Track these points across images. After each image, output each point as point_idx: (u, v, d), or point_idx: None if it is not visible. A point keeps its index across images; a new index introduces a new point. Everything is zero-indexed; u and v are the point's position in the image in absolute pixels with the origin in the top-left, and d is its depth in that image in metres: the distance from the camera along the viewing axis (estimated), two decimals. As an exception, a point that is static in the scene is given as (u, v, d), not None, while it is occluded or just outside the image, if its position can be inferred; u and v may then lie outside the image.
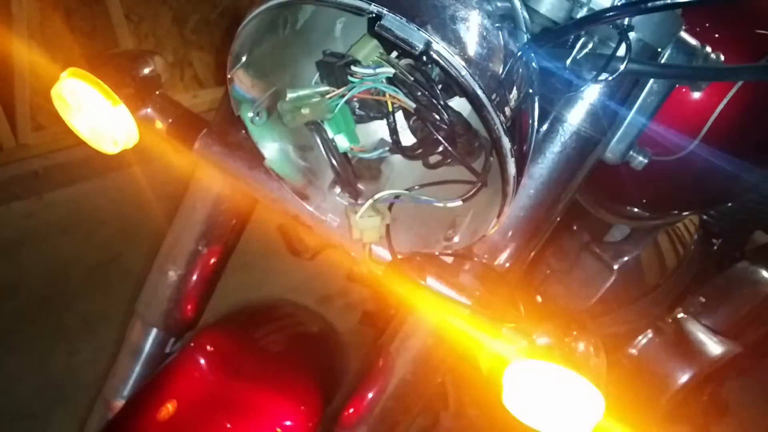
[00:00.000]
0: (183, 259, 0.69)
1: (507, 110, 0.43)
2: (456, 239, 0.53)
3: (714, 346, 0.97)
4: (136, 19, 2.41)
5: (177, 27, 2.56)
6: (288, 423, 0.66)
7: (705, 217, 0.95)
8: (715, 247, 1.00)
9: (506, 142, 0.42)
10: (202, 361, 0.68)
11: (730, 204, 0.91)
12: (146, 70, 0.61)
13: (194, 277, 0.70)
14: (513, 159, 0.42)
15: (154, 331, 0.72)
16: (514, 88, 0.44)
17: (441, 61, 0.39)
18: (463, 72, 0.39)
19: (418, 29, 0.39)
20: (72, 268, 1.85)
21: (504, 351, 0.55)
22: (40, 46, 2.13)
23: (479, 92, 0.40)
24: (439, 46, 0.39)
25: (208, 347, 0.68)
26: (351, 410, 0.66)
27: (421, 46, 0.39)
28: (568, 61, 0.49)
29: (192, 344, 0.69)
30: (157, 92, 0.61)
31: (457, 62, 0.39)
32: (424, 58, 0.40)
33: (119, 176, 2.11)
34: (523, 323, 0.54)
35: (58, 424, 1.43)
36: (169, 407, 0.65)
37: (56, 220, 2.05)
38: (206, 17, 2.64)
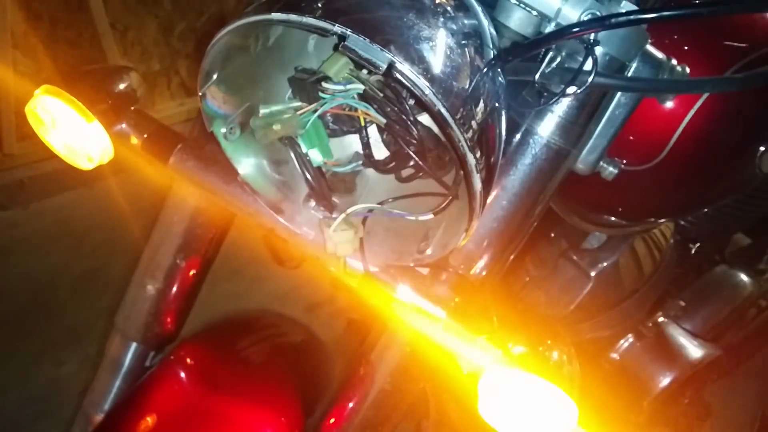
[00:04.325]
0: (161, 272, 0.69)
1: (473, 124, 0.44)
2: (429, 251, 0.53)
3: (695, 350, 0.98)
4: (122, 27, 2.41)
5: (163, 35, 2.56)
6: (268, 435, 0.66)
7: (682, 222, 0.97)
8: (694, 252, 1.01)
9: (471, 159, 0.42)
10: (182, 374, 0.68)
11: (705, 210, 0.92)
12: (121, 86, 0.61)
13: (173, 291, 0.70)
14: (478, 174, 0.43)
15: (133, 345, 0.72)
16: (481, 103, 0.45)
17: (404, 81, 0.40)
18: (427, 91, 0.40)
19: (382, 49, 0.39)
20: (58, 278, 1.84)
21: (479, 360, 0.56)
22: (25, 56, 2.12)
23: (443, 111, 0.40)
24: (403, 66, 0.40)
25: (188, 360, 0.68)
26: (332, 420, 0.67)
27: (384, 66, 0.39)
28: (537, 75, 0.50)
29: (171, 357, 0.69)
30: (133, 108, 0.61)
31: (421, 82, 0.40)
32: (391, 76, 0.41)
33: (106, 186, 2.10)
34: (498, 333, 0.55)
35: (44, 436, 1.42)
36: (149, 421, 0.65)
37: (42, 230, 2.04)
38: (192, 25, 2.64)
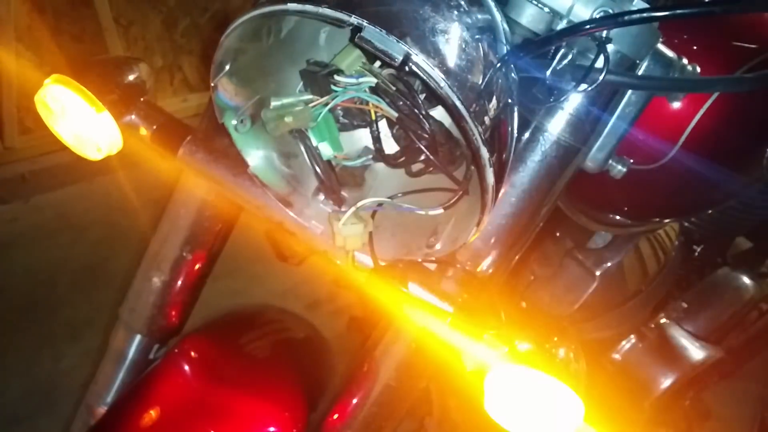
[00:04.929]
0: (167, 265, 0.69)
1: (486, 120, 0.44)
2: (438, 246, 0.53)
3: (696, 351, 0.98)
4: (126, 23, 2.41)
5: (166, 31, 2.56)
6: (272, 429, 0.66)
7: (686, 223, 0.97)
8: (696, 254, 1.01)
9: (485, 153, 0.42)
10: (186, 367, 0.68)
11: (710, 211, 0.92)
12: (131, 77, 0.61)
13: (179, 284, 0.70)
14: (491, 169, 0.43)
15: (137, 338, 0.72)
16: (494, 98, 0.45)
17: (420, 73, 0.40)
18: (442, 84, 0.40)
19: (398, 41, 0.39)
20: (58, 273, 1.84)
21: (486, 357, 0.56)
22: (28, 50, 2.12)
23: (458, 104, 0.40)
24: (419, 58, 0.40)
25: (192, 353, 0.68)
26: (335, 416, 0.66)
27: (400, 58, 0.39)
28: (549, 72, 0.50)
29: (176, 350, 0.69)
30: (142, 99, 0.61)
31: (436, 74, 0.40)
32: (406, 69, 0.41)
33: (106, 180, 2.10)
34: (505, 329, 0.55)
35: (44, 430, 1.42)
36: (152, 413, 0.65)
37: (43, 224, 2.03)
38: (196, 21, 2.64)
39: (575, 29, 0.48)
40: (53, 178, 2.16)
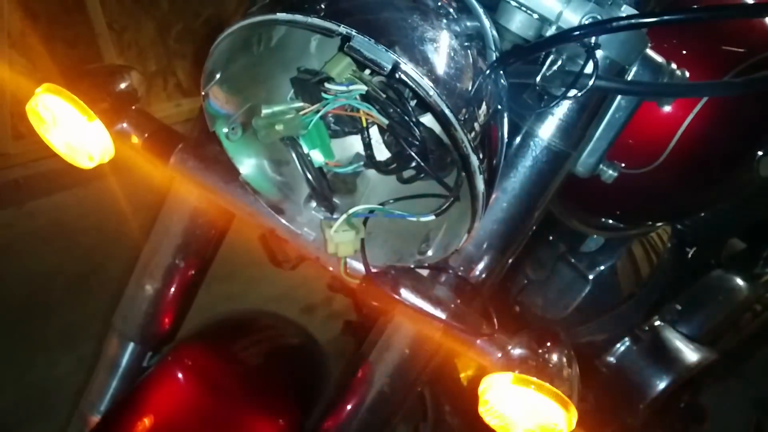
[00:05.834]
0: (160, 272, 0.69)
1: (476, 126, 0.44)
2: (429, 253, 0.53)
3: (691, 353, 0.98)
4: (119, 28, 2.40)
5: (160, 36, 2.55)
6: (266, 436, 0.66)
7: (679, 226, 0.97)
8: (690, 256, 1.01)
9: (474, 159, 0.42)
10: (180, 374, 0.67)
11: (702, 213, 0.93)
12: (122, 85, 0.61)
13: (171, 291, 0.70)
14: (481, 175, 0.43)
15: (131, 345, 0.72)
16: (483, 104, 0.45)
17: (409, 81, 0.40)
18: (431, 92, 0.40)
19: (386, 50, 0.40)
20: (52, 279, 1.83)
21: (479, 362, 0.56)
22: (22, 55, 2.11)
23: (447, 111, 0.41)
24: (407, 67, 0.40)
25: (186, 361, 0.68)
26: (329, 422, 0.66)
27: (389, 67, 0.40)
28: (538, 78, 0.50)
29: (169, 358, 0.69)
30: (134, 107, 0.61)
31: (425, 82, 0.40)
32: (396, 77, 0.41)
33: (101, 186, 2.09)
34: (498, 335, 0.55)
35: (37, 438, 1.41)
36: (146, 422, 0.65)
37: (37, 230, 2.03)
38: (189, 26, 2.64)
39: (564, 36, 0.48)
40: (47, 183, 2.15)
